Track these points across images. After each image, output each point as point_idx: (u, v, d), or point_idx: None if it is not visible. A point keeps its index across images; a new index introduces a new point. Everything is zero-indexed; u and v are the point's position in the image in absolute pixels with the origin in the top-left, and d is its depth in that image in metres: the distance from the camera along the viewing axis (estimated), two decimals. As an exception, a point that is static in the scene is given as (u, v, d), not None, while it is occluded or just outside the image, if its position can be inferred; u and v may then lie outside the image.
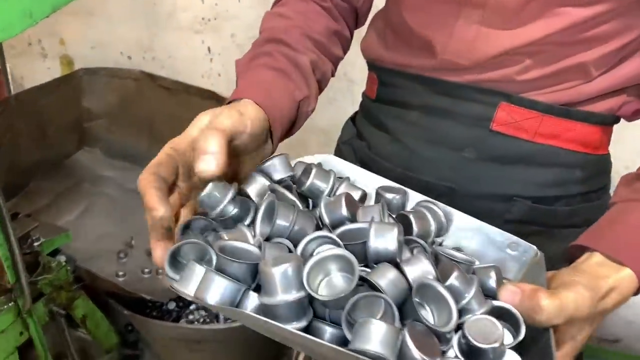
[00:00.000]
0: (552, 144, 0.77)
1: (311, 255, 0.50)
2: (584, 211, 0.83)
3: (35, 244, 1.54)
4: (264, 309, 0.47)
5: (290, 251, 0.51)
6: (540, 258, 0.60)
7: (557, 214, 0.82)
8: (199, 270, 0.49)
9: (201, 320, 1.87)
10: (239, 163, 0.64)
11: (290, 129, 0.75)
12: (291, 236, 0.52)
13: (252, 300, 0.49)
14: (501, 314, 0.51)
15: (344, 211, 0.55)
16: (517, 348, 0.49)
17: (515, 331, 0.51)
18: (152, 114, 2.23)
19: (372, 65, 0.91)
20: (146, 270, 1.85)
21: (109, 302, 1.74)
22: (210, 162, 0.52)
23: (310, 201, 0.63)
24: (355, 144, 0.95)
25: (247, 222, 0.57)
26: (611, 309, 0.56)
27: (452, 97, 0.78)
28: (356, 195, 0.62)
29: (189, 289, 0.49)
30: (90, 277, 1.71)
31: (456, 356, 0.48)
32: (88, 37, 2.36)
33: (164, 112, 2.22)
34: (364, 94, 0.97)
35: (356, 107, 1.00)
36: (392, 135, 0.87)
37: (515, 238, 0.62)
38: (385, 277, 0.46)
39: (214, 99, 2.16)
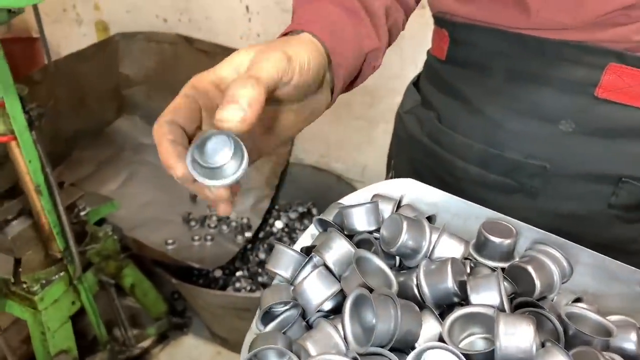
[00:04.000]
0: None
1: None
2: None
3: (82, 213, 1.52)
4: None
5: None
6: None
7: None
8: None
9: (248, 288, 1.84)
10: (278, 113, 0.52)
11: (350, 84, 0.62)
12: (394, 344, 0.42)
13: None
14: None
15: (450, 284, 0.45)
16: None
17: None
18: (190, 79, 2.17)
19: (441, 20, 0.76)
20: (196, 237, 1.83)
21: (155, 271, 1.73)
22: (237, 113, 0.41)
23: (398, 258, 0.52)
24: (421, 114, 0.81)
25: (327, 305, 0.48)
26: None
27: (547, 58, 0.65)
28: (458, 251, 0.51)
29: None
30: (137, 246, 1.70)
31: None
32: (122, 0, 2.30)
33: (203, 77, 2.16)
34: (430, 54, 0.83)
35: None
36: (469, 105, 0.73)
37: None
38: None
39: (254, 61, 2.08)
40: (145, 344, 1.82)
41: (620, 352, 0.44)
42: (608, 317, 0.47)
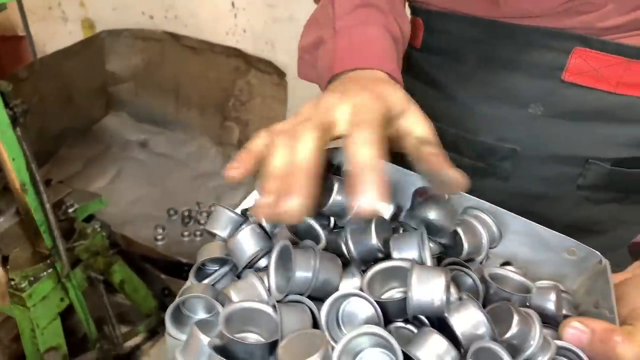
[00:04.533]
0: (639, 95, 0.64)
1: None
2: None
3: (70, 210, 1.52)
4: None
5: (312, 313, 0.43)
6: (604, 267, 0.50)
7: None
8: (204, 344, 0.42)
9: (238, 282, 1.85)
10: None
11: None
12: (312, 291, 0.44)
13: None
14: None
15: (374, 240, 0.47)
16: None
17: None
18: (177, 75, 2.17)
19: (417, 9, 0.78)
20: (185, 233, 1.84)
21: (145, 267, 1.73)
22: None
23: (332, 219, 0.54)
24: None
25: (262, 262, 0.49)
26: None
27: (516, 44, 0.66)
28: (387, 211, 0.53)
29: None
30: (126, 242, 1.70)
31: None
32: (108, -2, 2.30)
33: (190, 73, 2.16)
34: None
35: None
36: (442, 91, 0.75)
37: (574, 242, 0.52)
38: (432, 353, 0.38)
39: (240, 57, 2.09)
40: (136, 340, 1.83)
41: (540, 310, 0.46)
42: (536, 283, 0.49)
